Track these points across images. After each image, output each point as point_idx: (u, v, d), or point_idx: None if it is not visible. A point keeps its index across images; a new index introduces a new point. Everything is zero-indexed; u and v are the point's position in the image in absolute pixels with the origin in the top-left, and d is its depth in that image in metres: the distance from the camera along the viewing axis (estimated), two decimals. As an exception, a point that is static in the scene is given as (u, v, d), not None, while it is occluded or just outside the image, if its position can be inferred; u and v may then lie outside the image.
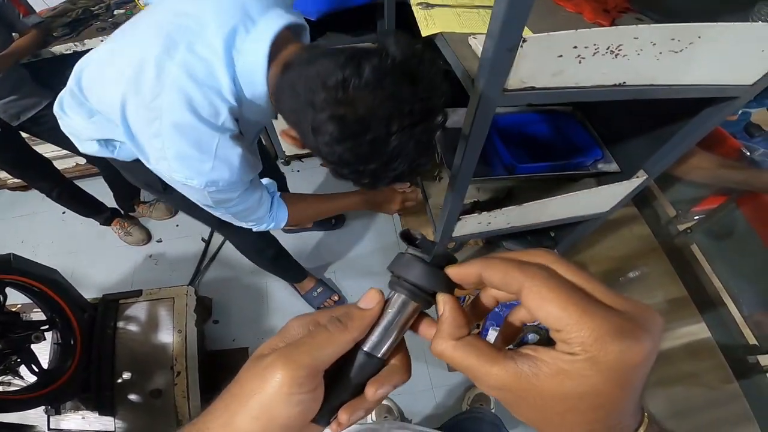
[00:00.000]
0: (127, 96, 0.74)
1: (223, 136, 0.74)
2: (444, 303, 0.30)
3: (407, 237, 0.33)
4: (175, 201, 1.21)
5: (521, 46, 0.53)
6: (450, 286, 0.31)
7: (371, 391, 0.30)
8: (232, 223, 1.00)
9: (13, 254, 1.25)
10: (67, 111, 0.97)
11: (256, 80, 0.74)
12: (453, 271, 0.30)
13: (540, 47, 0.54)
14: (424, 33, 0.82)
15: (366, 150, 0.65)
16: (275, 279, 1.97)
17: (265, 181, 1.05)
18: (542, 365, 0.24)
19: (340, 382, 0.31)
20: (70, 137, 1.03)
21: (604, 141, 1.14)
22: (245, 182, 0.85)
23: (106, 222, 2.16)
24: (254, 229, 1.05)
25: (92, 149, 1.01)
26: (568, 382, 0.23)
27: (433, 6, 0.90)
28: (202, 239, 2.19)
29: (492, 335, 1.56)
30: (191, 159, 0.73)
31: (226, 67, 0.71)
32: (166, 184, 1.02)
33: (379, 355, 0.32)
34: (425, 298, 0.31)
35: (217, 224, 1.34)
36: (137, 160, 0.92)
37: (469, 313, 0.31)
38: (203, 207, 0.91)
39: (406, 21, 0.90)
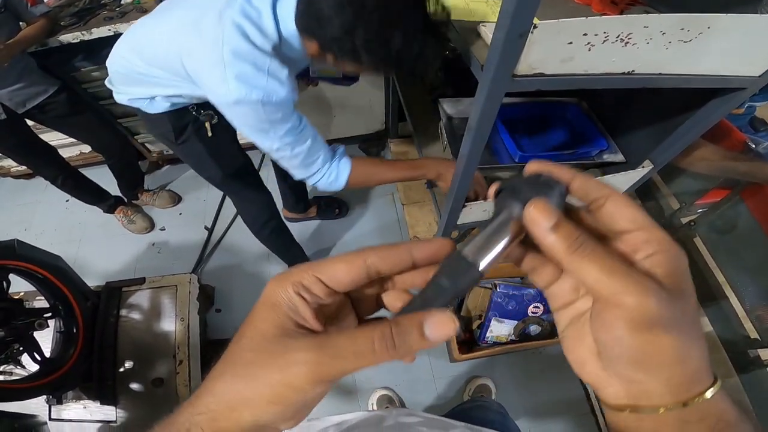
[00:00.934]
0: (189, 40, 0.91)
1: (273, 60, 0.88)
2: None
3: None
4: (186, 154, 1.31)
5: (532, 32, 0.53)
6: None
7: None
8: (289, 162, 1.05)
9: (18, 240, 1.25)
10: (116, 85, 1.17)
11: (288, 20, 0.88)
12: (549, 168, 0.30)
13: (550, 33, 0.54)
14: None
15: (381, 24, 0.79)
16: (278, 268, 1.98)
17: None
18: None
19: (437, 292, 0.27)
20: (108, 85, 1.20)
21: (610, 131, 1.14)
22: (293, 100, 0.94)
23: (110, 210, 2.17)
24: (311, 181, 1.09)
25: (125, 99, 1.18)
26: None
27: None
28: (205, 227, 2.20)
29: (495, 325, 1.56)
30: (249, 76, 0.86)
31: (272, 12, 0.87)
32: (181, 135, 1.23)
33: (480, 267, 0.27)
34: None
35: (225, 184, 1.43)
36: (161, 115, 1.15)
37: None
38: (258, 133, 0.96)
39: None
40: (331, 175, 1.07)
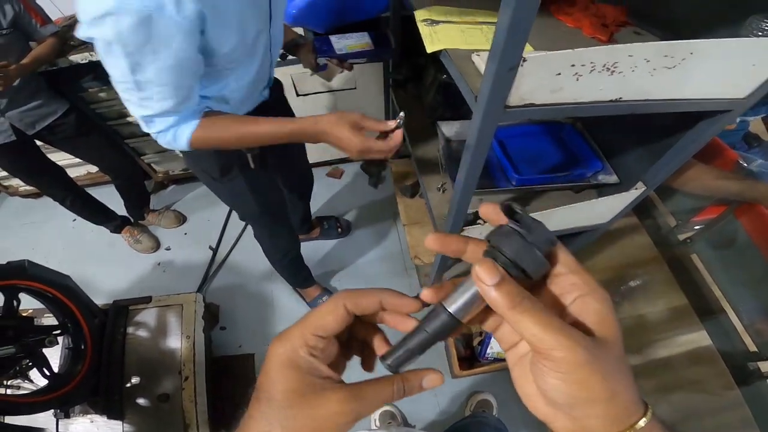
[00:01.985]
0: None
1: None
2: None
3: (509, 211, 0.32)
4: (227, 191, 1.29)
5: (521, 66, 0.56)
6: (545, 269, 0.31)
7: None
8: (138, 106, 0.80)
9: (28, 260, 1.29)
10: None
11: None
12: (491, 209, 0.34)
13: (539, 66, 0.57)
14: (429, 49, 0.85)
15: None
16: (281, 287, 2.01)
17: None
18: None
19: (417, 334, 0.34)
20: None
21: (604, 152, 1.16)
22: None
23: (116, 230, 2.21)
24: (148, 128, 0.87)
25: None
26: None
27: (438, 23, 0.92)
28: (210, 247, 2.23)
29: (496, 343, 1.57)
30: None
31: None
32: (226, 172, 1.18)
33: (461, 319, 0.32)
34: (519, 275, 0.30)
35: (259, 220, 1.44)
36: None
37: None
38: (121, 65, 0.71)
39: (412, 35, 0.94)
40: (167, 134, 0.87)
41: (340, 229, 2.21)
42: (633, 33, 0.95)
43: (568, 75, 0.60)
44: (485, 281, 0.29)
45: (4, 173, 2.24)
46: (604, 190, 1.14)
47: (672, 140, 0.93)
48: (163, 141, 0.88)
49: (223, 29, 0.78)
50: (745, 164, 1.21)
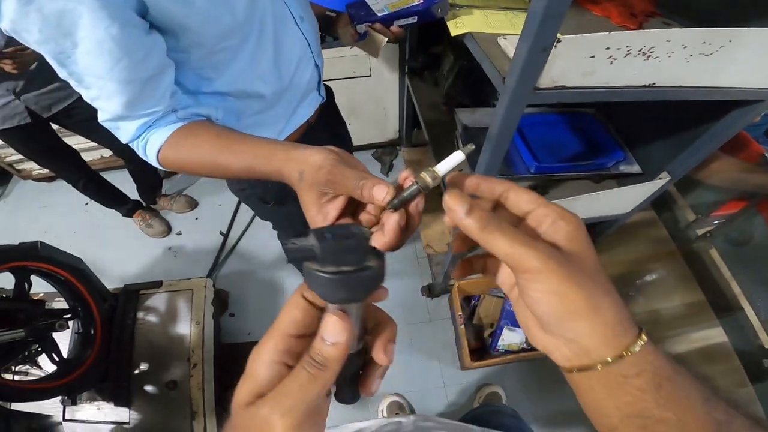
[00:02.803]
0: None
1: None
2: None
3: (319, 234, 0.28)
4: (275, 216, 1.24)
5: (555, 46, 0.54)
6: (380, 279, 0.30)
7: (383, 358, 0.32)
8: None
9: (41, 242, 1.29)
10: None
11: None
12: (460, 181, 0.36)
13: (573, 48, 0.55)
14: (453, 33, 0.83)
15: None
16: (292, 274, 2.00)
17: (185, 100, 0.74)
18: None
19: (342, 377, 0.32)
20: None
21: (626, 143, 1.14)
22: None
23: (129, 213, 2.21)
24: (117, 135, 0.71)
25: None
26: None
27: (460, 7, 0.91)
28: (221, 233, 2.22)
29: (507, 334, 1.57)
30: None
31: None
32: (278, 198, 1.07)
33: (360, 348, 0.32)
34: (362, 297, 0.29)
35: (270, 216, 1.30)
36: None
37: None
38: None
39: (429, 21, 0.90)
40: (139, 144, 0.71)
41: None
42: (662, 23, 0.92)
43: (602, 58, 0.58)
44: (457, 209, 0.30)
45: (18, 156, 2.23)
46: (625, 180, 1.11)
47: (699, 130, 0.91)
48: (140, 153, 0.73)
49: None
50: (771, 158, 1.18)
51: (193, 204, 2.34)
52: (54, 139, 1.78)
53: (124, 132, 0.68)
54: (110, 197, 2.11)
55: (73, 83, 0.62)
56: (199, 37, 0.67)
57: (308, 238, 0.28)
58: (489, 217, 0.30)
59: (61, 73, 0.61)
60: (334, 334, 0.28)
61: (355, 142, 2.32)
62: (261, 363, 0.29)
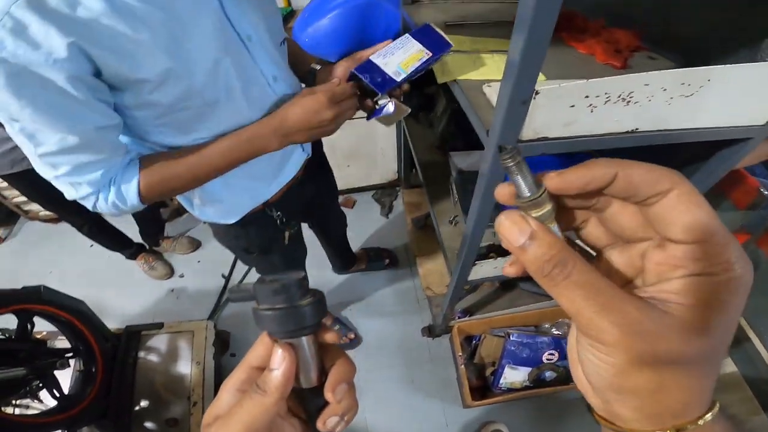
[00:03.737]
0: None
1: None
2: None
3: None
4: (258, 262, 1.30)
5: (534, 98, 0.55)
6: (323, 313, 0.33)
7: (330, 396, 0.32)
8: (43, 169, 0.67)
9: (44, 286, 1.31)
10: None
11: None
12: (568, 176, 0.26)
13: (552, 98, 0.57)
14: (440, 80, 0.85)
15: None
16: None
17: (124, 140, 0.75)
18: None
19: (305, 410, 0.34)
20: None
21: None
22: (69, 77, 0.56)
23: (132, 256, 2.23)
24: (87, 204, 0.73)
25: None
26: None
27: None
28: (222, 275, 2.24)
29: (509, 372, 1.54)
30: None
31: None
32: (260, 247, 1.13)
33: (316, 384, 0.33)
34: (314, 329, 0.33)
35: (255, 265, 1.37)
36: (240, 224, 1.00)
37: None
38: None
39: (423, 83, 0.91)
40: (110, 196, 0.71)
41: (387, 260, 2.17)
42: (647, 58, 0.93)
43: (583, 107, 0.59)
44: (512, 240, 0.24)
45: (25, 198, 2.28)
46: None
47: (691, 169, 0.90)
48: (105, 206, 0.72)
49: (129, 61, 0.60)
50: (766, 192, 1.18)
51: (195, 245, 2.37)
52: None
53: (85, 187, 0.69)
54: (114, 241, 2.13)
55: (20, 140, 0.62)
56: (156, 97, 0.67)
57: (250, 283, 0.32)
58: (561, 254, 0.23)
59: (8, 129, 0.62)
60: (276, 361, 0.30)
61: (355, 184, 2.39)
62: (226, 390, 0.32)
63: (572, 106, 0.58)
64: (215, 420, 0.31)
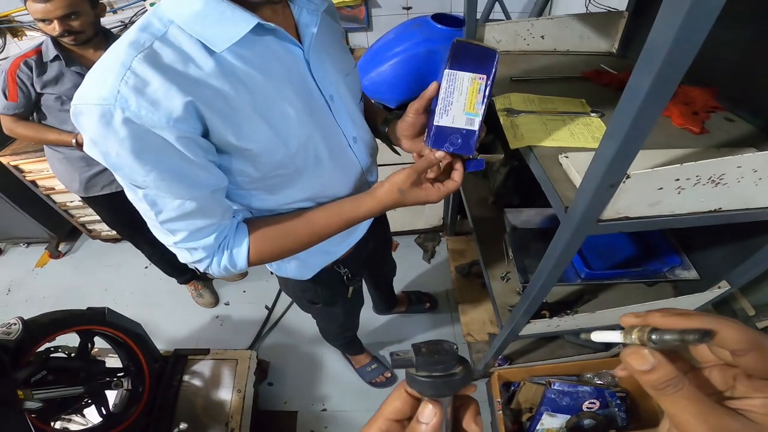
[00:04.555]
0: None
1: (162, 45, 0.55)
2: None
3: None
4: (320, 313, 1.34)
5: (623, 182, 0.55)
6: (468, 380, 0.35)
7: (472, 427, 0.36)
8: (162, 236, 0.70)
9: (108, 308, 1.37)
10: None
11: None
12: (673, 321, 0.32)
13: (642, 182, 0.57)
14: (513, 146, 0.84)
15: None
16: (331, 351, 2.02)
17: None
18: None
19: None
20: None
21: (683, 246, 1.11)
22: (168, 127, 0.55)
23: (185, 282, 2.30)
24: (201, 268, 0.74)
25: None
26: None
27: (518, 113, 0.92)
28: (266, 307, 2.29)
29: (547, 419, 1.51)
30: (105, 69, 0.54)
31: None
32: (326, 299, 1.15)
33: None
34: (449, 394, 0.35)
35: (316, 313, 1.39)
36: (312, 280, 1.03)
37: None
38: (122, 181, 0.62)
39: (488, 116, 0.84)
40: (222, 260, 0.73)
41: (428, 304, 2.18)
42: (725, 119, 0.89)
43: (671, 189, 0.58)
44: (635, 368, 0.30)
45: (92, 217, 2.39)
46: (682, 287, 1.07)
47: (764, 239, 0.87)
48: (217, 269, 0.74)
49: (233, 125, 0.62)
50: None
51: (243, 274, 2.44)
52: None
53: (200, 252, 0.70)
54: (173, 266, 2.20)
55: (143, 207, 0.63)
56: (254, 165, 0.69)
57: (408, 352, 0.35)
58: (675, 378, 0.29)
59: (130, 196, 0.63)
60: (428, 416, 0.33)
61: (400, 227, 2.42)
62: None
63: (660, 188, 0.58)
64: None
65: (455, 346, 0.35)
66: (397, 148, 0.93)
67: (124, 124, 0.52)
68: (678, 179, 0.58)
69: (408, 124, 0.81)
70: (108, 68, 0.53)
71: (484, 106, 0.71)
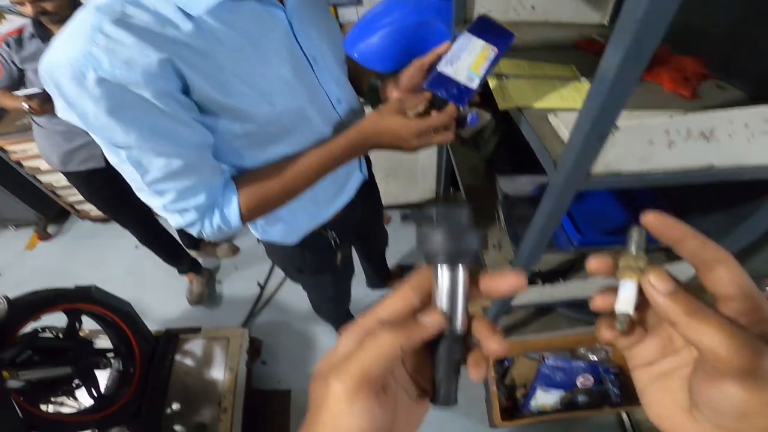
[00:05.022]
0: None
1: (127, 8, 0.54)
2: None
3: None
4: (309, 283, 1.33)
5: (612, 134, 0.53)
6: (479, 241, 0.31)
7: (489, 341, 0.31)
8: (150, 198, 0.68)
9: (95, 286, 1.35)
10: None
11: None
12: (664, 222, 0.30)
13: (632, 134, 0.55)
14: (501, 106, 0.82)
15: None
16: (325, 328, 2.02)
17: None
18: None
19: (439, 365, 0.31)
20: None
21: (677, 212, 1.10)
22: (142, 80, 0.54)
23: (182, 272, 2.26)
24: (193, 231, 0.73)
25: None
26: None
27: (507, 77, 0.90)
28: (258, 284, 2.28)
29: (541, 395, 1.52)
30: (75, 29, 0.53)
31: None
32: (316, 269, 1.14)
33: (459, 332, 0.31)
34: (470, 258, 0.30)
35: (305, 283, 1.37)
36: (298, 244, 1.01)
37: None
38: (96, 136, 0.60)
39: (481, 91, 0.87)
40: (214, 220, 0.72)
41: None
42: (716, 87, 0.89)
43: (661, 143, 0.57)
44: (660, 289, 0.28)
45: (81, 197, 2.36)
46: (674, 254, 1.06)
47: (759, 203, 0.86)
48: (211, 230, 0.73)
49: (215, 85, 0.62)
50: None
51: (235, 250, 2.43)
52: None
53: (192, 210, 0.69)
54: (167, 252, 2.16)
55: (127, 169, 0.63)
56: (239, 123, 0.69)
57: (423, 211, 0.31)
58: (697, 302, 0.27)
59: (113, 159, 0.62)
60: (432, 321, 0.29)
61: (391, 201, 2.38)
62: (346, 338, 0.30)
63: (651, 142, 0.57)
64: (330, 368, 0.28)
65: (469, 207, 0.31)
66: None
67: (98, 84, 0.52)
68: (668, 132, 0.57)
69: (407, 76, 0.84)
70: (77, 31, 0.52)
71: (485, 75, 0.77)
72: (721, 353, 0.25)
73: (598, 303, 0.32)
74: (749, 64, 0.87)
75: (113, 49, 0.52)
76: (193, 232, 0.73)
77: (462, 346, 0.31)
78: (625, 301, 0.30)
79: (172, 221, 0.71)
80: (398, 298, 0.31)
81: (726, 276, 0.27)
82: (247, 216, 0.74)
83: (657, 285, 0.28)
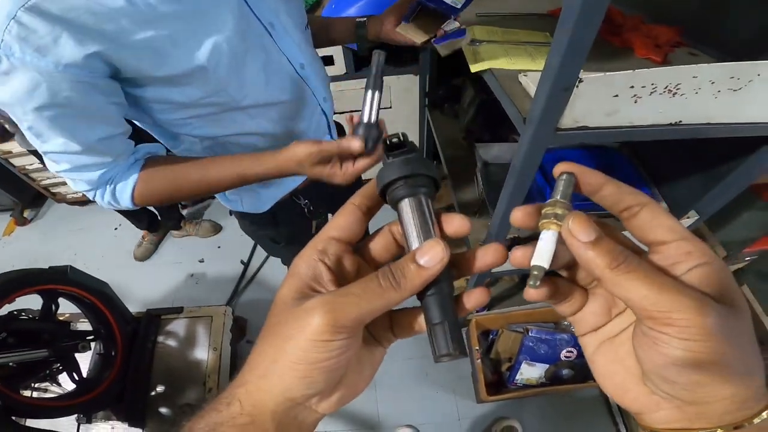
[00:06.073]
0: None
1: None
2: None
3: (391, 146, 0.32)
4: (285, 253, 1.30)
5: (577, 86, 0.53)
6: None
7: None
8: (47, 162, 0.67)
9: (70, 266, 1.32)
10: None
11: None
12: (580, 170, 0.28)
13: (596, 87, 0.55)
14: (473, 69, 0.83)
15: None
16: (309, 302, 2.00)
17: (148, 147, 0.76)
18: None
19: (431, 308, 0.28)
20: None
21: (653, 179, 1.11)
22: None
23: (140, 228, 2.28)
24: (75, 189, 0.71)
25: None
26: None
27: (480, 42, 0.91)
28: (242, 262, 2.26)
29: (526, 368, 1.54)
30: None
31: None
32: (290, 238, 1.11)
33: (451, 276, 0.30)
34: (432, 187, 0.30)
35: (280, 254, 1.37)
36: (270, 211, 0.99)
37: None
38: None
39: (452, 54, 0.89)
40: (105, 195, 0.71)
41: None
42: (688, 54, 0.90)
43: (626, 97, 0.57)
44: (580, 238, 0.24)
45: (54, 180, 2.32)
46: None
47: (730, 166, 0.87)
48: (101, 201, 0.73)
49: (150, 59, 0.60)
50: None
51: (217, 229, 2.40)
52: None
53: (83, 184, 0.69)
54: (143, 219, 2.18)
55: (28, 135, 0.62)
56: (180, 93, 0.68)
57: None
58: (623, 252, 0.24)
59: (18, 122, 0.61)
60: (433, 257, 0.26)
61: (372, 174, 2.33)
62: (302, 261, 0.29)
63: (616, 95, 0.56)
64: (300, 294, 0.27)
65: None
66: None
67: (11, 70, 0.52)
68: (633, 86, 0.57)
69: (398, 6, 0.89)
70: None
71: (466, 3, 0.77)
72: (654, 311, 0.22)
73: (517, 257, 0.28)
74: (723, 32, 0.88)
75: (25, 37, 0.51)
76: (90, 196, 0.73)
77: (450, 279, 0.29)
78: (539, 254, 0.26)
79: (68, 183, 0.71)
80: (345, 214, 0.31)
81: (651, 219, 0.25)
82: (141, 201, 0.73)
83: (577, 233, 0.24)
